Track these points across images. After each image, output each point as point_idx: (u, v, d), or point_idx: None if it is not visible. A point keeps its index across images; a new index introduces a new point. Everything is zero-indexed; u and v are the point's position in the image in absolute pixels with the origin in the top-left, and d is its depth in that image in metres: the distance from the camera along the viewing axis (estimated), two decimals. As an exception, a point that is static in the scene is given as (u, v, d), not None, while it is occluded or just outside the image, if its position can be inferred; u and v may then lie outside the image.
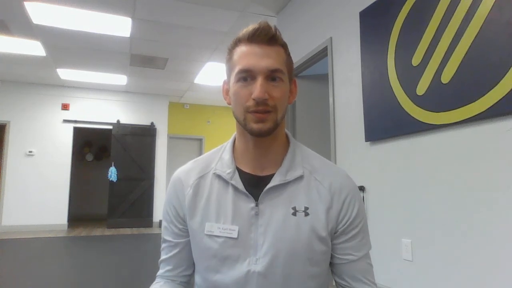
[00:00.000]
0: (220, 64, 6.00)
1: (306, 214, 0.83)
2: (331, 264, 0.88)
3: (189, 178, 0.91)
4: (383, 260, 2.46)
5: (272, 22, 4.15)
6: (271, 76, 0.80)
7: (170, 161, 8.09)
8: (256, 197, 0.84)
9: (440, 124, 2.03)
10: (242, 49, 0.83)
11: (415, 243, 2.22)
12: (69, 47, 5.30)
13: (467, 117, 1.87)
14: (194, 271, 0.94)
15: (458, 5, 1.95)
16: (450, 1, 2.00)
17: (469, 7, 1.89)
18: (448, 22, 2.01)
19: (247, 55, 0.81)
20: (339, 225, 0.86)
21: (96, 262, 4.24)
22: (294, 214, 0.83)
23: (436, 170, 2.09)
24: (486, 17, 1.80)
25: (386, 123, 2.46)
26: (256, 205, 0.84)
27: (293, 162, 0.88)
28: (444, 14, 2.03)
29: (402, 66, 2.33)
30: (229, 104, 0.88)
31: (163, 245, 0.95)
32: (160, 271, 0.94)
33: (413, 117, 2.23)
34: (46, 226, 6.91)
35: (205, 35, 4.86)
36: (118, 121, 7.66)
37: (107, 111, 7.66)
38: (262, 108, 0.79)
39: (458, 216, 1.94)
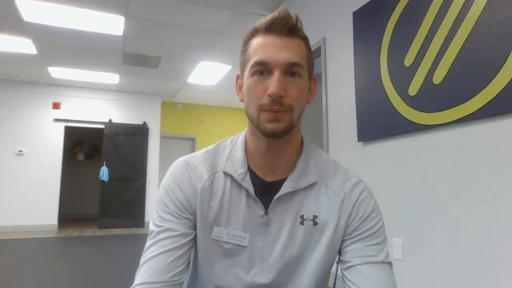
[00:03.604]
0: (213, 64, 5.98)
1: (315, 223, 0.78)
2: (346, 269, 0.77)
3: (204, 171, 0.81)
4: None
5: (266, 22, 4.15)
6: (290, 70, 0.72)
7: (162, 160, 8.05)
8: (265, 203, 0.78)
9: (432, 125, 2.04)
10: (258, 40, 0.75)
11: (406, 243, 2.23)
12: (60, 45, 5.25)
13: (458, 117, 1.88)
14: (186, 279, 0.84)
15: (450, 6, 1.96)
16: (442, 2, 2.01)
17: (461, 8, 1.90)
18: (440, 23, 2.02)
19: (264, 47, 0.73)
20: (349, 226, 0.79)
21: (87, 262, 4.20)
22: (302, 223, 0.78)
23: (427, 170, 2.11)
24: (477, 18, 1.81)
25: (378, 123, 2.47)
26: (266, 213, 0.77)
27: (307, 167, 0.80)
28: (436, 15, 2.05)
29: (395, 66, 2.34)
30: (241, 100, 0.80)
31: (155, 238, 0.75)
32: (143, 278, 0.71)
33: (405, 118, 2.24)
34: (36, 227, 6.83)
35: (198, 34, 4.84)
36: (110, 120, 7.60)
37: (99, 110, 7.60)
38: (278, 108, 0.71)
39: (449, 216, 1.95)
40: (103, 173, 7.23)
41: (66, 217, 8.46)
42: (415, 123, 2.16)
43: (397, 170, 2.33)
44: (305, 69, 0.76)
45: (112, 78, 6.87)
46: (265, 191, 0.79)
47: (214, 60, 5.85)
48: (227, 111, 9.05)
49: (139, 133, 7.72)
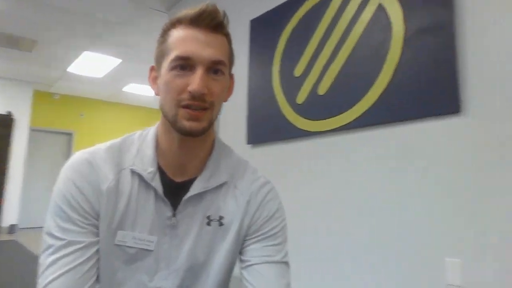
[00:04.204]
0: (100, 55, 5.57)
1: (221, 224, 0.77)
2: (244, 268, 0.78)
3: (108, 170, 0.73)
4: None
5: (163, 19, 4.05)
6: (213, 68, 0.70)
7: (30, 156, 7.13)
8: (173, 205, 0.74)
9: (316, 131, 2.24)
10: (181, 32, 0.71)
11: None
12: None
13: (338, 126, 2.11)
14: None
15: (336, 25, 2.20)
16: (331, 21, 2.24)
17: (345, 29, 2.14)
18: (327, 40, 2.24)
19: (187, 40, 0.69)
20: (252, 226, 0.79)
21: None
22: (209, 224, 0.76)
23: (311, 172, 2.30)
24: (358, 40, 2.07)
25: (267, 127, 2.61)
26: (174, 215, 0.74)
27: (217, 167, 0.79)
28: (325, 32, 2.27)
29: (285, 76, 2.51)
30: (156, 94, 0.75)
31: (56, 254, 0.66)
32: None
33: (292, 124, 2.41)
34: None
35: (86, 21, 4.46)
36: (-36, 106, 6.46)
37: (-50, 93, 6.39)
38: (198, 104, 0.68)
39: (328, 214, 2.16)
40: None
41: None
42: (301, 129, 2.34)
43: (283, 172, 2.49)
44: (227, 67, 0.75)
45: (-29, 56, 5.85)
46: (174, 191, 0.75)
47: (102, 52, 5.44)
48: (113, 106, 8.44)
49: (1, 124, 6.70)
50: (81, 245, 0.68)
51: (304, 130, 2.32)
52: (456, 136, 1.63)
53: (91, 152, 0.75)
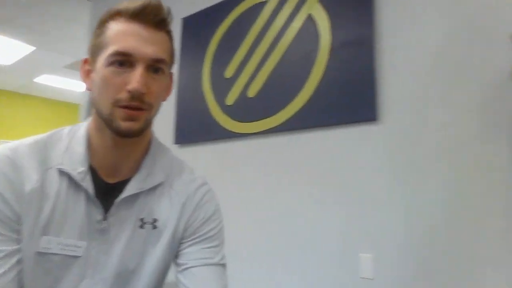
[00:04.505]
0: (10, 40, 5.04)
1: (154, 227, 0.73)
2: (181, 271, 0.76)
3: (32, 169, 0.67)
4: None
5: (86, 8, 3.81)
6: (154, 66, 0.68)
7: None
8: (105, 207, 0.70)
9: (244, 133, 2.28)
10: (121, 25, 0.67)
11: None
12: None
13: (266, 128, 2.17)
14: None
15: (267, 31, 2.27)
16: (263, 26, 2.30)
17: (276, 35, 2.21)
18: (258, 45, 2.30)
19: (128, 35, 0.66)
20: (189, 229, 0.77)
21: None
22: (142, 227, 0.72)
23: (239, 174, 2.33)
24: (287, 47, 2.15)
25: (196, 128, 2.58)
26: (105, 218, 0.69)
27: (153, 168, 0.76)
28: (256, 37, 2.32)
29: (216, 76, 2.52)
30: (89, 89, 0.70)
31: None
32: None
33: (221, 125, 2.42)
34: None
35: (-5, 0, 4.01)
36: None
37: None
38: (137, 104, 0.66)
39: (254, 219, 2.20)
40: None
41: None
42: (230, 130, 2.36)
43: (210, 172, 2.48)
44: (168, 65, 0.73)
45: None
46: (106, 193, 0.71)
47: (11, 36, 4.93)
48: (25, 99, 7.63)
49: None
50: (2, 254, 0.62)
51: (233, 132, 2.34)
52: (373, 142, 1.78)
53: (13, 149, 0.68)
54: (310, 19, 2.07)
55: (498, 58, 1.47)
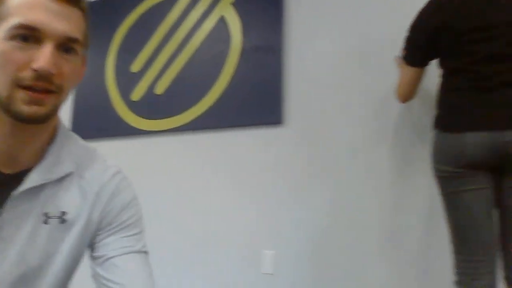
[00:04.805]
0: None
1: (62, 221, 0.66)
2: (99, 264, 0.69)
3: None
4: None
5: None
6: (66, 45, 0.59)
7: None
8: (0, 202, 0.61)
9: (151, 131, 2.20)
10: None
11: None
12: None
13: (174, 126, 2.13)
14: None
15: (178, 28, 2.23)
16: (174, 23, 2.25)
17: (187, 33, 2.19)
18: (169, 41, 2.25)
19: (36, 7, 0.57)
20: (105, 219, 0.71)
21: None
22: (46, 222, 0.64)
23: (143, 171, 2.23)
24: (198, 46, 2.15)
25: (96, 122, 2.41)
26: None
27: (60, 156, 0.67)
28: (167, 33, 2.27)
29: (121, 70, 2.39)
30: None
31: None
32: None
33: (125, 121, 2.30)
34: None
35: None
36: None
37: None
38: (43, 84, 0.57)
39: (160, 216, 2.13)
40: None
41: None
42: (134, 127, 2.26)
43: (109, 171, 2.35)
44: (82, 47, 0.65)
45: None
46: (2, 185, 0.62)
47: None
48: None
49: None
50: None
51: (138, 129, 2.25)
52: (279, 144, 1.87)
53: None
54: (222, 21, 2.10)
55: (386, 76, 1.67)
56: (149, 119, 2.22)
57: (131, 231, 0.73)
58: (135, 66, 2.34)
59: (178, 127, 2.11)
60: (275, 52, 1.92)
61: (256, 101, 1.94)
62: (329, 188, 1.73)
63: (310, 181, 1.77)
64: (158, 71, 2.25)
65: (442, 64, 1.32)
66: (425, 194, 1.56)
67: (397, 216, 1.60)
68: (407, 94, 1.45)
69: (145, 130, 2.22)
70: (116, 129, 2.32)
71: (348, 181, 1.70)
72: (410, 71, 1.39)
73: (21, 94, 0.57)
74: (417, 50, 1.36)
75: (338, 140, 1.75)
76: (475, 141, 1.14)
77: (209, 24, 2.13)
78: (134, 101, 2.30)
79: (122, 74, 2.38)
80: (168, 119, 2.16)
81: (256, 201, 1.87)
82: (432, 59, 1.36)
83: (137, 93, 2.30)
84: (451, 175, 1.19)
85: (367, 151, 1.69)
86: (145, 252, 0.74)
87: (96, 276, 0.69)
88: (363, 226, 1.64)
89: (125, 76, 2.37)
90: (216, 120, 2.03)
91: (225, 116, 2.01)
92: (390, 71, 1.63)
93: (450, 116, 1.24)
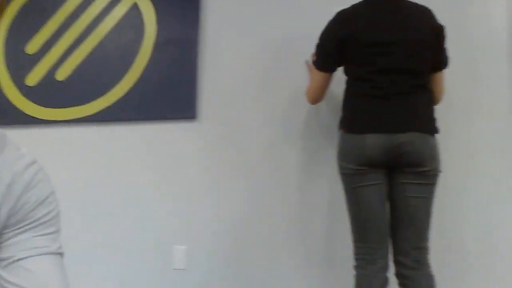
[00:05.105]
0: None
1: None
2: (4, 267, 0.61)
3: None
4: None
5: None
6: None
7: None
8: None
9: (50, 120, 2.01)
10: None
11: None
12: None
13: (78, 117, 1.97)
14: None
15: (84, 12, 2.04)
16: (79, 5, 2.06)
17: (94, 18, 2.02)
18: (73, 23, 2.05)
19: None
20: (16, 215, 0.63)
21: None
22: None
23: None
24: (107, 33, 2.00)
25: (-20, 108, 2.12)
26: None
27: None
28: (71, 14, 2.06)
29: (13, 49, 2.12)
30: None
31: None
32: None
33: (17, 108, 2.06)
34: None
35: None
36: None
37: None
38: None
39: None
40: None
41: None
42: (29, 115, 2.04)
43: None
44: None
45: None
46: None
47: None
48: None
49: None
50: None
51: (34, 117, 2.03)
52: (192, 139, 1.86)
53: None
54: (135, 8, 1.99)
55: (298, 75, 1.75)
56: (49, 108, 2.03)
57: (46, 229, 0.65)
58: (31, 47, 2.10)
59: (84, 117, 1.96)
60: (190, 45, 1.90)
61: (170, 94, 1.89)
62: (241, 184, 1.78)
63: (223, 177, 1.80)
64: (60, 55, 2.05)
65: (347, 71, 1.45)
66: (328, 190, 1.70)
67: (303, 211, 1.72)
68: (317, 97, 1.56)
69: (43, 119, 2.02)
70: (7, 116, 2.06)
71: (258, 178, 1.77)
72: (320, 75, 1.50)
73: None
74: (326, 57, 1.47)
75: (250, 136, 1.81)
76: (373, 142, 1.29)
77: (121, 10, 2.01)
78: (30, 86, 2.07)
79: (14, 54, 2.12)
80: (72, 108, 1.99)
81: (168, 196, 1.84)
82: (339, 65, 1.48)
83: (34, 78, 2.07)
84: (354, 172, 1.33)
85: (277, 148, 1.77)
86: (61, 254, 0.67)
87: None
88: (273, 220, 1.73)
89: (18, 57, 2.11)
90: (127, 112, 1.93)
91: (137, 109, 1.93)
92: (302, 69, 1.71)
93: (353, 119, 1.38)
